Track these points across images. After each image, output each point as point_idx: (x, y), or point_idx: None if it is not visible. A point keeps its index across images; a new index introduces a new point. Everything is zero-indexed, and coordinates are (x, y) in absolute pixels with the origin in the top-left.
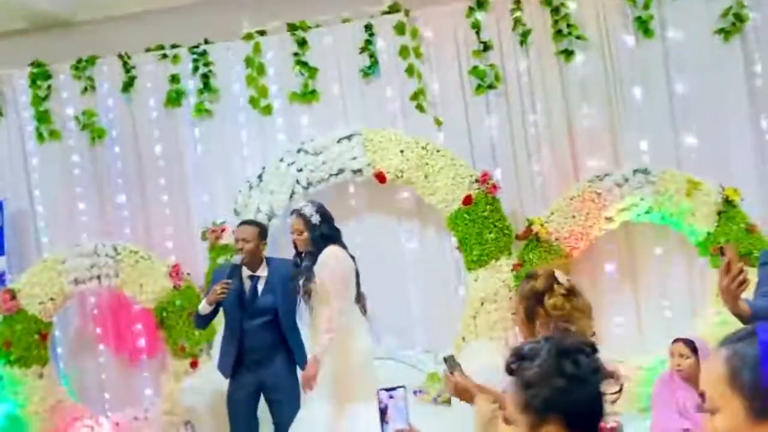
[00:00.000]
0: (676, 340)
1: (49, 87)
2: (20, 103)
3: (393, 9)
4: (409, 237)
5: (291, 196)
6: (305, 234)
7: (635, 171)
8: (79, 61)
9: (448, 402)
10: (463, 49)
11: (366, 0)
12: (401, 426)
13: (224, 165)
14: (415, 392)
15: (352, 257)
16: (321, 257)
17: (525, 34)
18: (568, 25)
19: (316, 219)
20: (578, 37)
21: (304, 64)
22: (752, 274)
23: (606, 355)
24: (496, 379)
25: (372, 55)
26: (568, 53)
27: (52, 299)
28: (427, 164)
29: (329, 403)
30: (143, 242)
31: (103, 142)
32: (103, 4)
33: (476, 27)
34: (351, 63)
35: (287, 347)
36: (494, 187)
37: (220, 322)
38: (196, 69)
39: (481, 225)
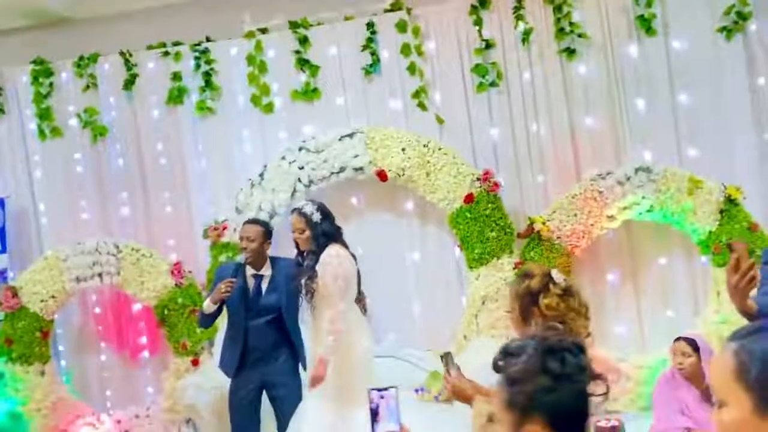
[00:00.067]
0: (677, 339)
1: (51, 84)
2: (22, 100)
3: (395, 7)
4: (411, 235)
5: (292, 195)
6: (307, 232)
7: (637, 169)
8: (81, 58)
9: (450, 400)
10: (464, 47)
11: None
12: (392, 426)
13: (226, 163)
14: (416, 390)
15: (353, 256)
16: (323, 257)
17: (527, 33)
18: (570, 24)
19: (317, 217)
20: (580, 36)
21: (305, 62)
22: None
23: (607, 354)
24: (496, 379)
25: (374, 53)
26: (570, 52)
27: (53, 297)
28: (428, 162)
29: (329, 402)
30: (145, 240)
31: (105, 139)
32: (105, 2)
33: (478, 25)
34: (353, 61)
35: (290, 345)
36: (496, 185)
37: (221, 320)
38: (197, 67)
39: (482, 223)
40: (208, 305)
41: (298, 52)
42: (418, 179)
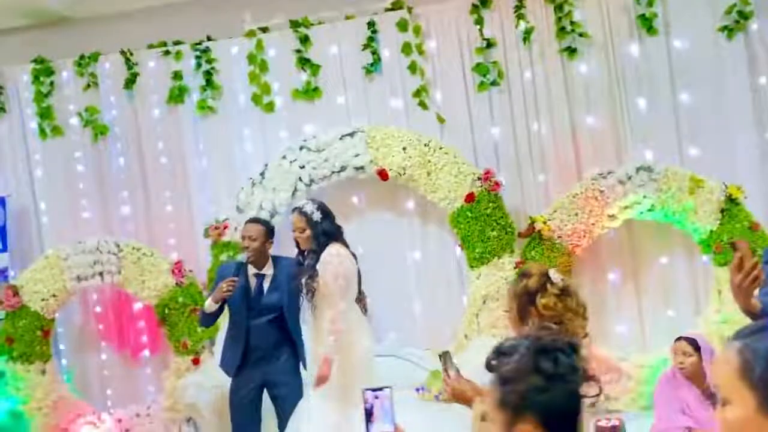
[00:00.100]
0: (678, 339)
1: (51, 83)
2: (23, 99)
3: (396, 6)
4: (412, 235)
5: (293, 194)
6: (307, 231)
7: (638, 169)
8: (82, 57)
9: (449, 402)
10: (465, 47)
11: None
12: (387, 427)
13: (227, 162)
14: (417, 389)
15: (354, 255)
16: (323, 256)
17: (528, 32)
18: (571, 23)
19: (317, 216)
20: (581, 35)
21: (306, 61)
22: None
23: (608, 353)
24: (489, 378)
25: (374, 52)
26: (571, 51)
27: (54, 296)
28: (429, 162)
29: (330, 402)
30: (145, 239)
31: (106, 138)
32: (106, 1)
33: (479, 24)
34: (354, 60)
35: (292, 345)
36: (497, 184)
37: (223, 320)
38: (198, 66)
39: (483, 223)
40: (209, 304)
41: (299, 51)
42: (419, 178)
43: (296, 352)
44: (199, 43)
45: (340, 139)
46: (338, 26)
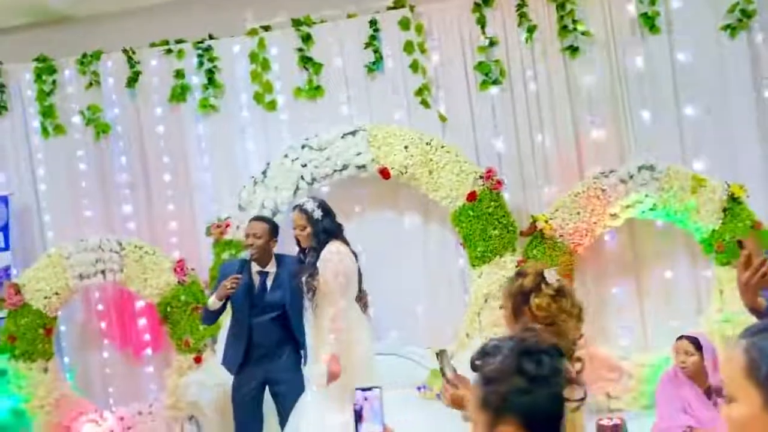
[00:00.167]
0: (680, 338)
1: (54, 82)
2: (25, 98)
3: (398, 4)
4: (413, 233)
5: (295, 192)
6: (308, 229)
7: (640, 168)
8: (84, 56)
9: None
10: (467, 45)
11: None
12: (376, 427)
13: (228, 160)
14: (418, 388)
15: (354, 253)
16: (323, 254)
17: (530, 30)
18: (574, 22)
19: (318, 214)
20: (584, 34)
21: (308, 59)
22: None
23: (610, 352)
24: (473, 378)
25: (377, 51)
26: (573, 49)
27: (56, 294)
28: (431, 160)
29: (331, 401)
30: (147, 237)
31: (108, 137)
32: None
33: (481, 23)
34: (355, 59)
35: (294, 342)
36: (498, 183)
37: (224, 318)
38: (200, 64)
39: (485, 221)
40: (213, 301)
41: (301, 49)
42: (420, 177)
43: (298, 350)
44: (202, 42)
45: (342, 137)
46: (340, 25)
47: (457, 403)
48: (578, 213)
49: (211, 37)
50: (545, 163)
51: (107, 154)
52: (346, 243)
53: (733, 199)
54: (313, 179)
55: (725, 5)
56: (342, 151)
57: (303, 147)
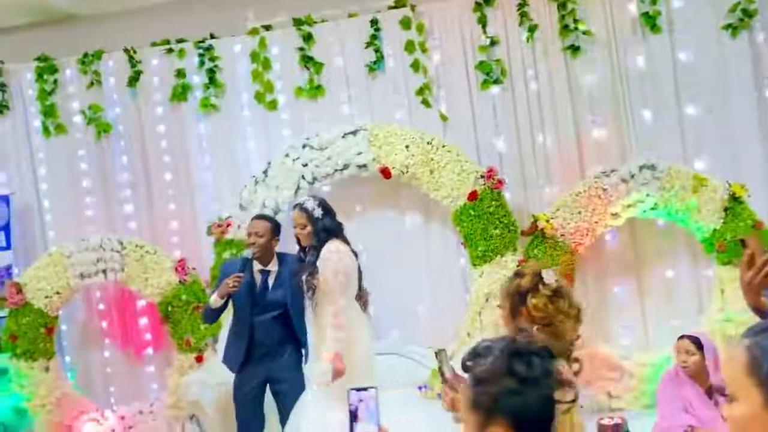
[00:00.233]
0: (681, 337)
1: (55, 81)
2: (27, 97)
3: (399, 4)
4: (414, 233)
5: (296, 192)
6: (308, 228)
7: (641, 167)
8: (86, 55)
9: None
10: (469, 45)
11: None
12: (371, 428)
13: (229, 160)
14: (420, 388)
15: (355, 252)
16: (323, 252)
17: (531, 30)
18: (575, 21)
19: (318, 213)
20: (585, 33)
21: (309, 59)
22: None
23: (611, 352)
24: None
25: (378, 51)
26: (574, 49)
27: (58, 293)
28: (432, 160)
29: (332, 400)
30: (148, 237)
31: (109, 136)
32: None
33: (482, 22)
34: (356, 58)
35: (295, 341)
36: (500, 182)
37: (226, 316)
38: (201, 64)
39: (486, 221)
40: (214, 300)
41: (302, 49)
42: (421, 176)
43: (299, 349)
44: (203, 41)
45: (343, 137)
46: (341, 24)
47: (458, 408)
48: (579, 212)
49: (212, 37)
50: (546, 162)
51: (108, 154)
52: (346, 242)
53: (735, 199)
54: (314, 179)
55: (726, 5)
56: (343, 150)
57: (304, 146)
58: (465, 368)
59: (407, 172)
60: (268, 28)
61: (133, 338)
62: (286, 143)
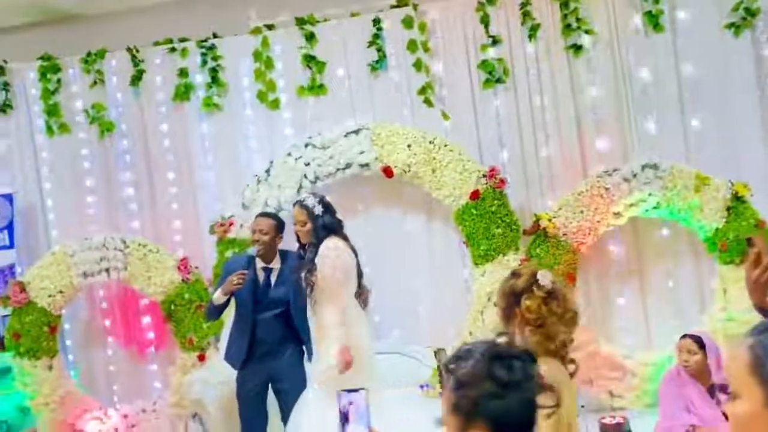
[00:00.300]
0: (683, 336)
1: (58, 80)
2: (30, 96)
3: (401, 3)
4: (416, 232)
5: (298, 191)
6: (308, 225)
7: (644, 166)
8: (89, 54)
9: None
10: (471, 44)
11: None
12: (361, 429)
13: (232, 159)
14: (421, 387)
15: (354, 250)
16: (321, 249)
17: (534, 29)
18: (577, 20)
19: (318, 210)
20: (587, 32)
21: (311, 58)
22: None
23: (613, 351)
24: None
25: (380, 49)
26: (577, 48)
27: (61, 292)
28: (434, 159)
29: (329, 397)
30: (151, 236)
31: (112, 135)
32: None
33: (485, 21)
34: (359, 57)
35: (296, 339)
36: (502, 182)
37: (228, 315)
38: (204, 63)
39: (488, 220)
40: (218, 296)
41: (304, 48)
42: (423, 176)
43: (300, 347)
44: (205, 41)
45: (345, 136)
46: (344, 23)
47: None
48: (581, 211)
49: (214, 36)
50: (548, 161)
51: (111, 153)
52: (346, 239)
53: (737, 198)
54: (317, 178)
55: (729, 3)
56: (345, 149)
57: (306, 145)
58: (447, 371)
59: (409, 171)
60: (270, 27)
61: (135, 337)
62: (288, 142)
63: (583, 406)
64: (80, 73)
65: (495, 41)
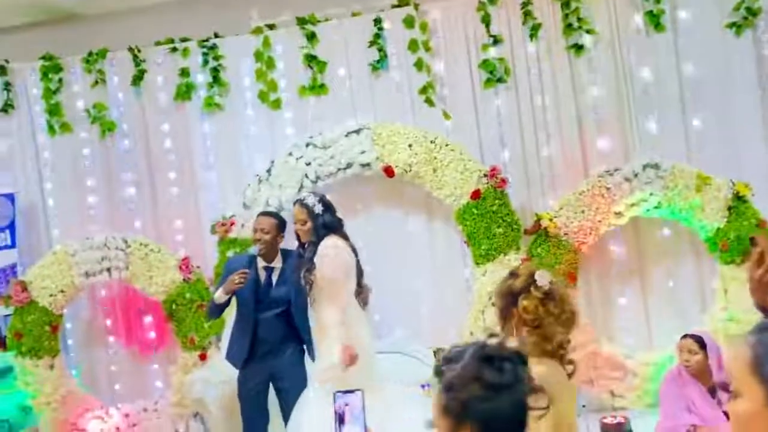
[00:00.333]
0: (684, 336)
1: (60, 80)
2: (31, 96)
3: (402, 2)
4: (417, 231)
5: (299, 190)
6: (308, 224)
7: (645, 166)
8: (90, 54)
9: None
10: (472, 43)
11: None
12: (357, 429)
13: (233, 159)
14: (423, 386)
15: (354, 249)
16: (320, 248)
17: (535, 28)
18: (578, 20)
19: (318, 209)
20: (588, 32)
21: (313, 57)
22: None
23: (614, 351)
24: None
25: (381, 49)
26: (578, 47)
27: (62, 291)
28: (435, 158)
29: (329, 396)
30: (153, 235)
31: (114, 135)
32: None
33: (486, 21)
34: (360, 57)
35: (298, 338)
36: (503, 181)
37: (229, 314)
38: (205, 63)
39: (489, 219)
40: (219, 295)
41: (305, 48)
42: (424, 175)
43: (302, 346)
44: (207, 40)
45: (346, 135)
46: (345, 23)
47: None
48: (583, 211)
49: (216, 36)
50: (550, 161)
51: (113, 152)
52: (346, 238)
53: (738, 198)
54: (318, 177)
55: (730, 3)
56: (346, 149)
57: (307, 145)
58: (437, 373)
59: (410, 170)
60: (271, 27)
61: (137, 336)
62: (289, 142)
63: (584, 406)
64: (82, 72)
65: (496, 41)
